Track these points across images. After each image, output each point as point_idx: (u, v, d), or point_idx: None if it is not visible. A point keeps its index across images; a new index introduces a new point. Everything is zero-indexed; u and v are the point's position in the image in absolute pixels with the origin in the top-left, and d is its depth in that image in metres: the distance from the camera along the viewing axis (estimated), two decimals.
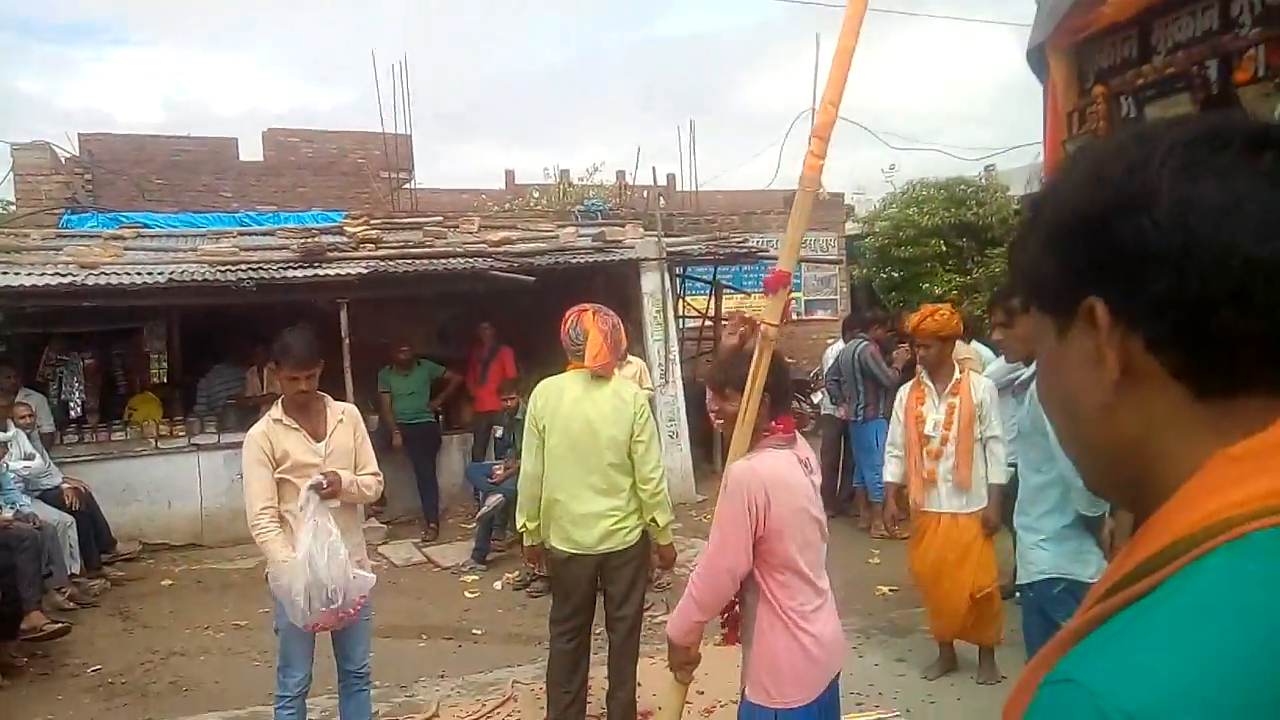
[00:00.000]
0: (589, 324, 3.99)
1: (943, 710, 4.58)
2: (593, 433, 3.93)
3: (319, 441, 3.78)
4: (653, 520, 4.02)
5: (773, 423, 2.78)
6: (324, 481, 3.63)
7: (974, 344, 7.42)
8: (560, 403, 3.99)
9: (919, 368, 5.03)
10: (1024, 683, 0.71)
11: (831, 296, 15.00)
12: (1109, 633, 0.63)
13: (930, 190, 14.13)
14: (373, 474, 3.92)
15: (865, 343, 7.98)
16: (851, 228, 16.68)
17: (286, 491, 3.72)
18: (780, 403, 2.83)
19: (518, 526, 4.37)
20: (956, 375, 4.75)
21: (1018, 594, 4.14)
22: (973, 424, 4.62)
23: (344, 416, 3.90)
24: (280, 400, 3.86)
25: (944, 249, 13.48)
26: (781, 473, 2.73)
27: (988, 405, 4.65)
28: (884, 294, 14.28)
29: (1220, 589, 0.59)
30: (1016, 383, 4.32)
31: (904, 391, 5.03)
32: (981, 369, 5.87)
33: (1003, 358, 5.21)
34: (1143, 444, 0.70)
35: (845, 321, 9.58)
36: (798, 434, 2.92)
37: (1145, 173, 0.67)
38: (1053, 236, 0.73)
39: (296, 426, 3.77)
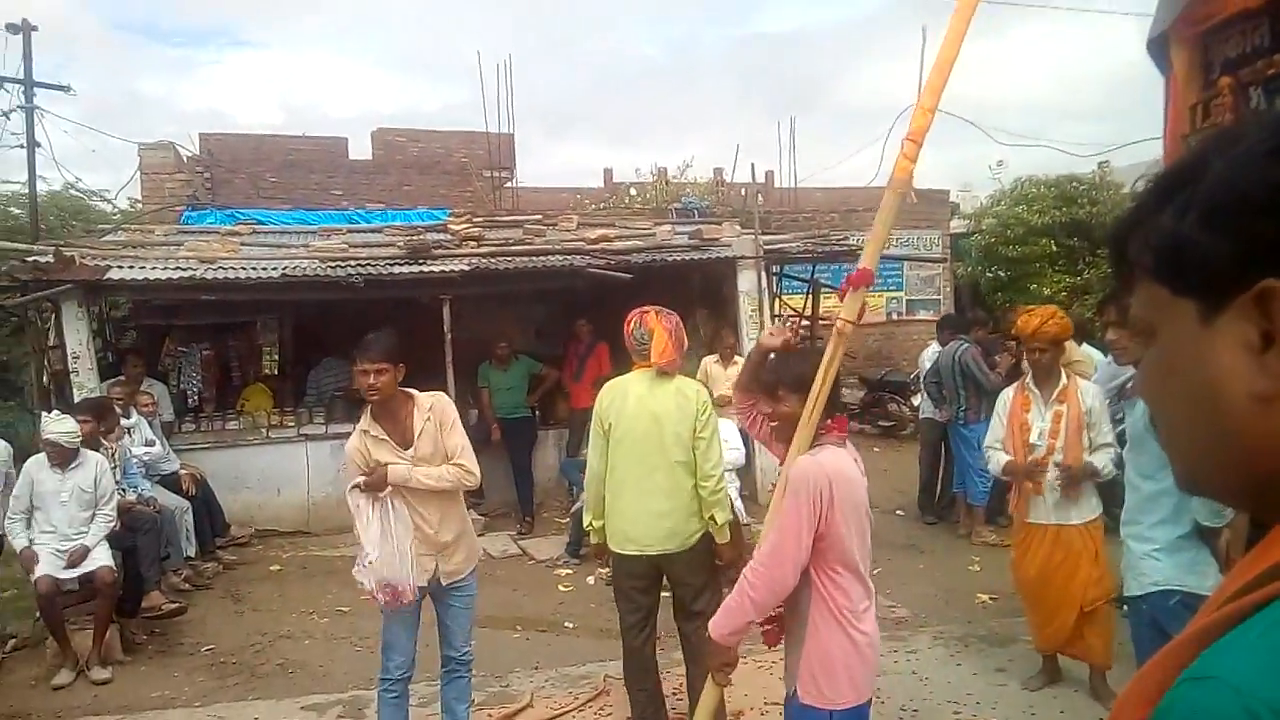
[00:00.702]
0: (652, 323, 4.03)
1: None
2: (659, 430, 3.95)
3: (407, 449, 3.82)
4: (711, 518, 3.99)
5: (828, 421, 2.77)
6: (361, 482, 3.73)
7: (1085, 347, 7.15)
8: (625, 402, 4.02)
9: (1024, 372, 4.84)
10: (1145, 682, 0.70)
11: (935, 296, 14.69)
12: (1250, 630, 0.62)
13: (1040, 188, 13.68)
14: (458, 464, 3.88)
15: (967, 345, 7.77)
16: (956, 225, 16.30)
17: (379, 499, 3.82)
18: (834, 402, 2.82)
19: (584, 525, 4.40)
20: (1064, 381, 4.54)
21: (1124, 607, 3.96)
22: (1081, 432, 4.42)
23: (430, 412, 3.88)
24: (369, 409, 3.87)
25: (1054, 249, 13.05)
26: (845, 467, 2.75)
27: (1097, 412, 4.44)
28: (989, 294, 13.90)
29: None
30: (1127, 385, 4.12)
31: (1007, 394, 4.83)
32: (1093, 373, 5.65)
33: (1110, 359, 4.98)
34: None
35: (940, 322, 9.35)
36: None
37: None
38: (1218, 211, 0.67)
39: (384, 437, 3.81)
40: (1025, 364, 5.20)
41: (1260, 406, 0.66)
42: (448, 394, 8.15)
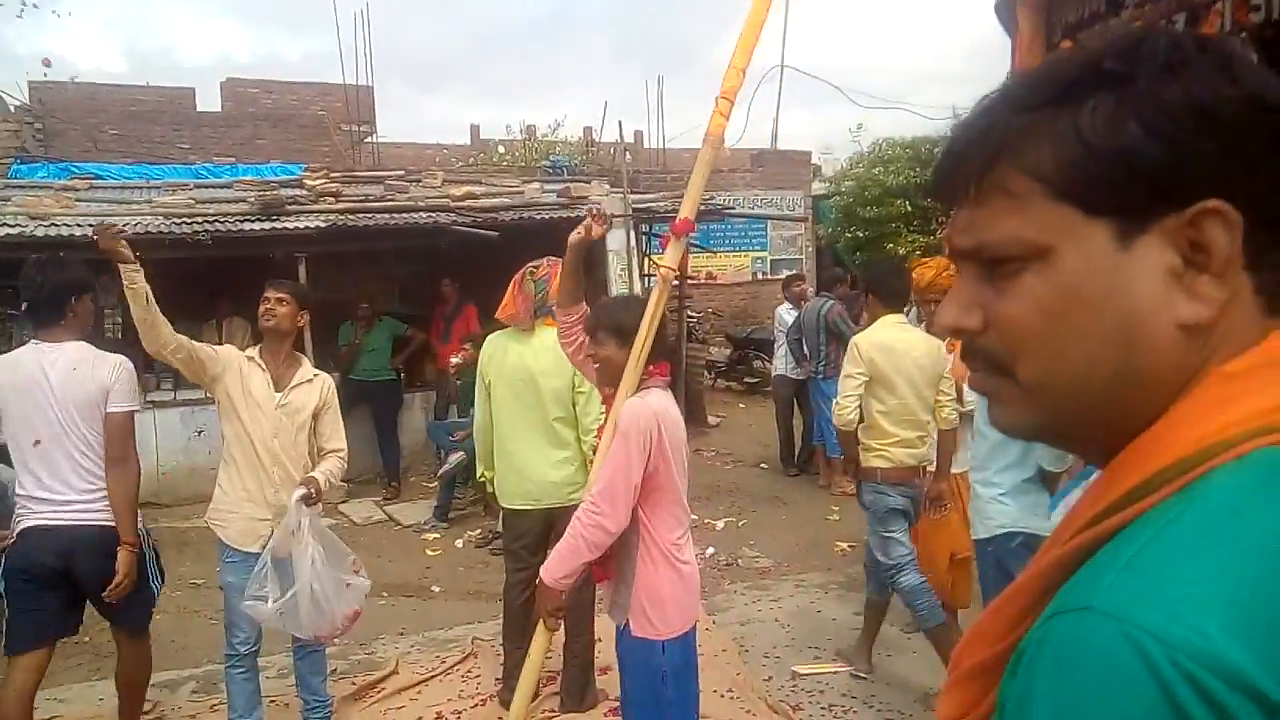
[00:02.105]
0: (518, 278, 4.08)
1: (899, 664, 4.64)
2: (534, 385, 3.97)
3: (279, 391, 3.75)
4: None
5: (650, 366, 2.87)
6: (310, 492, 3.58)
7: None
8: (505, 356, 4.05)
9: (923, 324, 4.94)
10: (996, 618, 0.68)
11: (797, 256, 15.05)
12: (1118, 555, 0.59)
13: (897, 150, 14.13)
14: (337, 451, 3.87)
15: (830, 302, 7.99)
16: (818, 187, 16.71)
17: (226, 412, 3.73)
18: (660, 348, 2.91)
19: (477, 477, 4.43)
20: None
21: None
22: (964, 380, 4.55)
23: (314, 379, 3.86)
24: (259, 345, 3.85)
25: (909, 209, 13.52)
26: (670, 408, 2.87)
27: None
28: (849, 254, 14.32)
29: (1229, 508, 0.57)
30: None
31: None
32: None
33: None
34: (1191, 367, 0.64)
35: (784, 282, 9.65)
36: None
37: None
38: (1162, 120, 0.62)
39: (263, 368, 3.76)
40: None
41: (1181, 337, 0.64)
42: (306, 355, 7.90)
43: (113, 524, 3.53)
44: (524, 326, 4.04)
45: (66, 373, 3.49)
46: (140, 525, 3.69)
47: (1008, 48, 5.21)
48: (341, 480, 7.91)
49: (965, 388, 4.46)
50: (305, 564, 3.52)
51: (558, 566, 2.80)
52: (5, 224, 7.68)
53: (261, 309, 3.78)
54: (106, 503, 3.53)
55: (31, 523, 3.50)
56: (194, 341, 3.72)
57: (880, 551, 4.40)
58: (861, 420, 4.41)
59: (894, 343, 4.36)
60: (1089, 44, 0.68)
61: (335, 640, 4.27)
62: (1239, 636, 0.51)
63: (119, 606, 3.67)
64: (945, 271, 4.62)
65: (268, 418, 3.71)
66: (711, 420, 10.69)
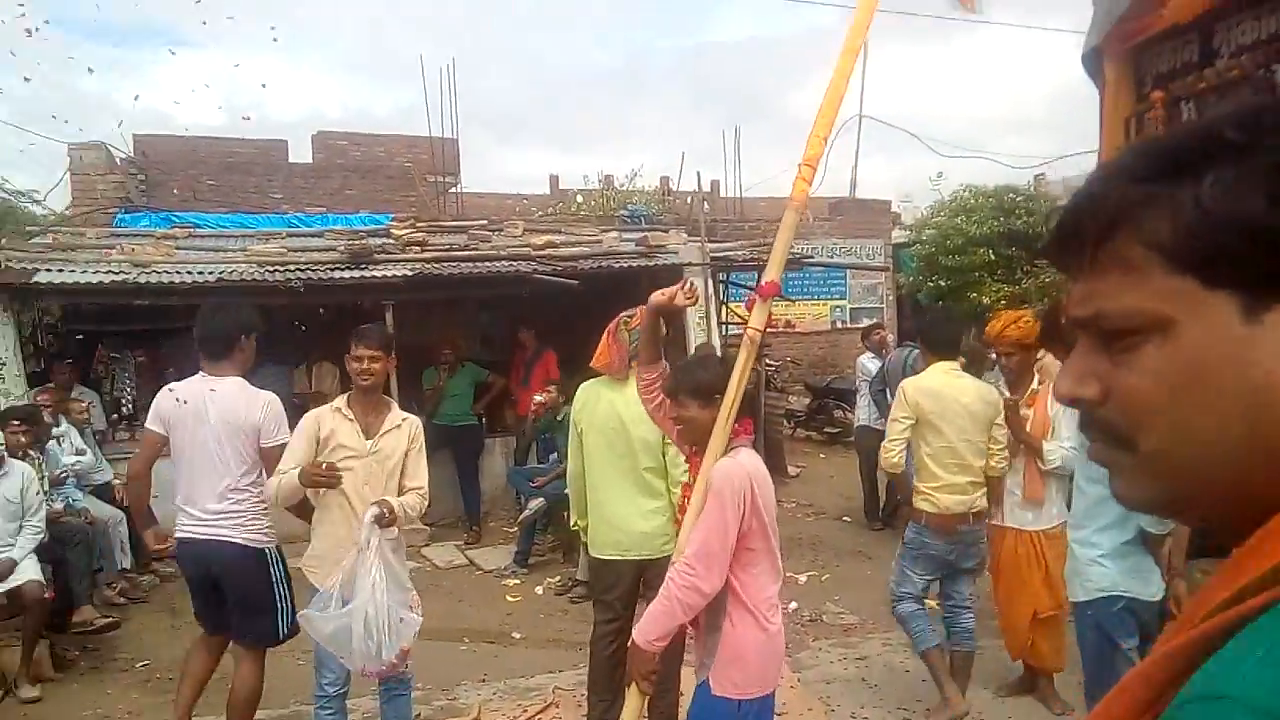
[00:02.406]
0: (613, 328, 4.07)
1: None
2: (625, 434, 3.95)
3: (369, 439, 3.81)
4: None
5: (735, 424, 2.83)
6: (384, 513, 3.58)
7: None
8: (598, 405, 4.04)
9: (999, 378, 4.86)
10: (1125, 699, 0.65)
11: (878, 304, 14.89)
12: (1258, 642, 0.56)
13: (979, 198, 13.95)
14: (417, 489, 3.90)
15: (915, 350, 7.87)
16: (898, 235, 16.55)
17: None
18: (743, 405, 2.87)
19: (571, 525, 4.43)
20: (1034, 387, 4.54)
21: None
22: (1044, 439, 4.43)
23: (403, 423, 3.92)
24: (348, 395, 3.92)
25: (992, 258, 13.31)
26: (760, 467, 2.87)
27: (1060, 418, 4.34)
28: (931, 303, 14.13)
29: None
30: None
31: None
32: None
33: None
34: None
35: (864, 331, 9.62)
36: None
37: None
38: None
39: (353, 419, 3.83)
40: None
41: None
42: (391, 397, 8.05)
43: (245, 542, 4.00)
44: (618, 375, 4.05)
45: (223, 405, 3.97)
46: (274, 548, 4.12)
47: (1093, 95, 5.14)
48: (423, 523, 8.06)
49: (1049, 446, 4.35)
50: (366, 586, 3.52)
51: (651, 628, 2.76)
52: (110, 271, 8.02)
53: (356, 368, 3.83)
54: (241, 523, 3.97)
55: (178, 534, 4.09)
56: (300, 459, 3.75)
57: (894, 577, 4.64)
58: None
59: (941, 388, 4.43)
60: (1206, 114, 0.69)
61: (416, 686, 4.30)
62: None
63: (246, 621, 4.12)
64: (1014, 323, 4.53)
65: (360, 466, 3.78)
66: (791, 471, 10.56)
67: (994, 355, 5.16)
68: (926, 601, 4.70)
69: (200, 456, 3.97)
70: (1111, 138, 4.95)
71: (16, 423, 5.88)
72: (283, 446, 3.89)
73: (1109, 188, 0.68)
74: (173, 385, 4.20)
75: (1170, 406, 0.65)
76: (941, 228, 14.04)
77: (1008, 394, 4.58)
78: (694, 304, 3.12)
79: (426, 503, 3.97)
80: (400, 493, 3.88)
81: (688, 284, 3.06)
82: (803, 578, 7.02)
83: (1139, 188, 0.66)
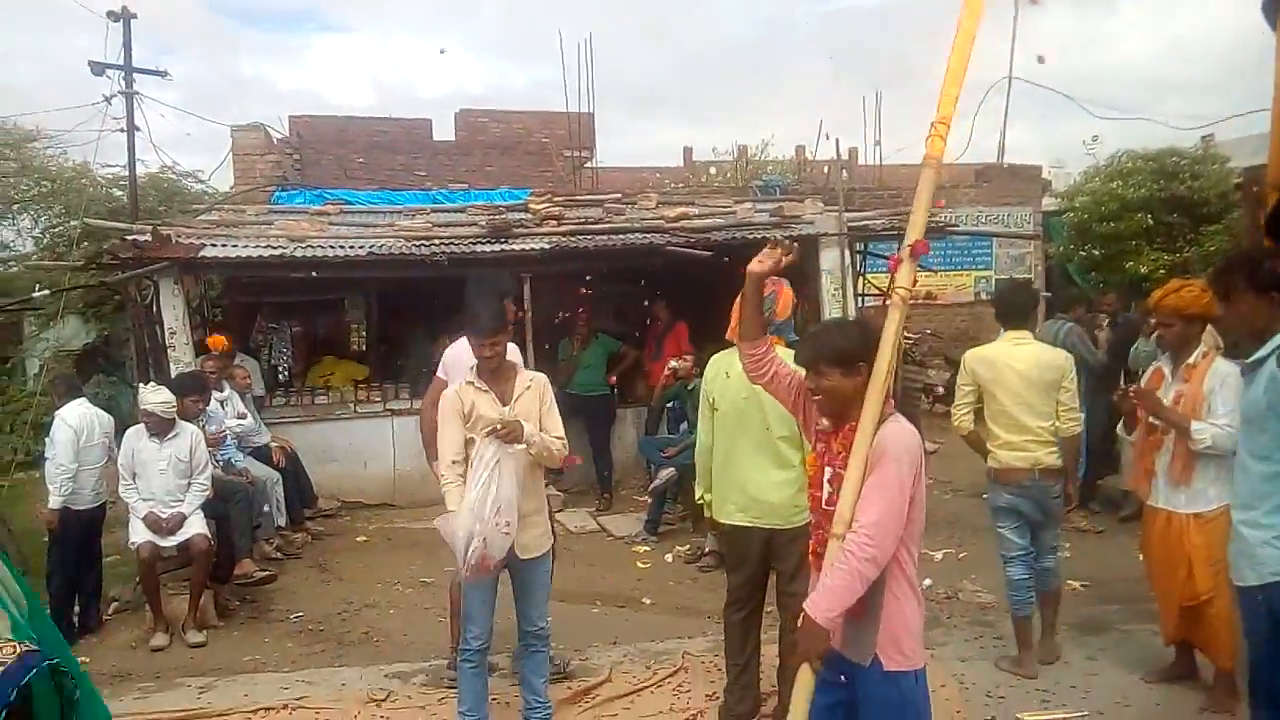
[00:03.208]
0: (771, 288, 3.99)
1: (1138, 713, 4.27)
2: (759, 403, 3.87)
3: (506, 405, 3.93)
4: None
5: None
6: (499, 426, 3.74)
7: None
8: (730, 375, 3.98)
9: (1160, 349, 4.65)
10: None
11: (1026, 275, 14.24)
12: None
13: (1138, 162, 13.11)
14: (558, 437, 4.03)
15: (1069, 324, 7.54)
16: (1048, 203, 15.78)
17: (473, 450, 3.87)
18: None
19: (696, 498, 4.42)
20: (1193, 359, 4.25)
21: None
22: (1195, 415, 4.16)
23: (531, 383, 4.05)
24: (474, 366, 4.02)
25: (1151, 224, 12.50)
26: (918, 435, 2.77)
27: (1217, 394, 4.08)
28: (1081, 275, 13.42)
29: None
30: (1245, 363, 3.80)
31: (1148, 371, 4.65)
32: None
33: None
34: None
35: (1003, 300, 8.88)
36: None
37: None
38: None
39: (486, 389, 3.95)
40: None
41: None
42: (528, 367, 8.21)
43: None
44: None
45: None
46: None
47: (1265, 51, 4.73)
48: (557, 489, 8.24)
49: (1198, 425, 4.06)
50: (475, 494, 3.69)
51: (830, 603, 2.62)
52: (269, 246, 8.49)
53: (482, 356, 3.92)
54: None
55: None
56: (460, 444, 3.91)
57: (999, 543, 4.86)
58: None
59: (996, 357, 4.78)
60: None
61: (554, 645, 4.41)
62: None
63: None
64: (1176, 291, 4.26)
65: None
66: (929, 447, 10.28)
67: (1153, 324, 4.93)
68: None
69: None
70: None
71: (195, 395, 6.32)
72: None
73: None
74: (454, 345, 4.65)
75: None
76: (1096, 194, 13.28)
77: (1165, 366, 4.35)
78: (790, 258, 2.98)
79: (566, 449, 4.08)
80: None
81: (776, 240, 2.99)
82: (939, 555, 6.85)
83: None
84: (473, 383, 3.97)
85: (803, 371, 2.90)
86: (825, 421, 2.88)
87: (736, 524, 4.03)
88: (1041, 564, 4.82)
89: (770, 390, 3.14)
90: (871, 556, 2.59)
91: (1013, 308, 4.94)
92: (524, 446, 3.81)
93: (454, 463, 3.89)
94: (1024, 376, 4.64)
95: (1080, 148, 19.86)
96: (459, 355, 4.44)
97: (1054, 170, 17.88)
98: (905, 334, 10.84)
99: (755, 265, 2.96)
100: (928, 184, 2.79)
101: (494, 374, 3.99)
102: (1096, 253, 13.02)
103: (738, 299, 3.96)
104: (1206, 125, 13.95)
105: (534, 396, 4.02)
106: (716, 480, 4.10)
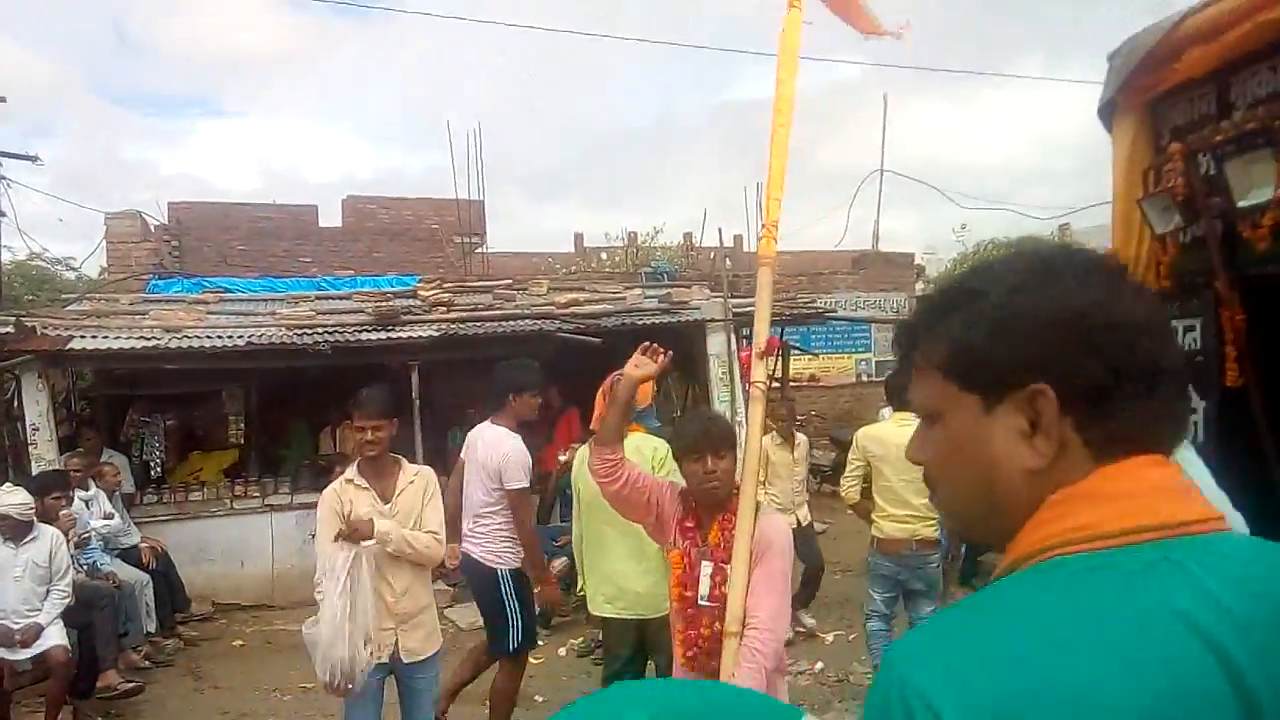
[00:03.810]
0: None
1: None
2: None
3: (386, 503, 3.81)
4: None
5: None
6: (343, 528, 3.63)
7: None
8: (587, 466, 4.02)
9: None
10: None
11: None
12: (933, 621, 0.87)
13: (1002, 250, 13.91)
14: (432, 533, 3.89)
15: None
16: (921, 288, 16.51)
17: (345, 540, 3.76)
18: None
19: (577, 590, 4.41)
20: None
21: None
22: None
23: (415, 478, 3.94)
24: (356, 462, 3.91)
25: None
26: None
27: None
28: None
29: (1006, 595, 0.82)
30: None
31: None
32: None
33: None
34: (1041, 497, 0.86)
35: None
36: None
37: (1117, 291, 0.88)
38: (1003, 327, 0.87)
39: (367, 486, 3.82)
40: None
41: (1027, 478, 0.87)
42: (416, 459, 8.07)
43: (485, 562, 4.68)
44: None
45: (483, 446, 4.73)
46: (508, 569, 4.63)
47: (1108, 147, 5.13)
48: (447, 584, 8.01)
49: None
50: (330, 608, 3.57)
51: None
52: (143, 336, 8.18)
53: (360, 439, 3.84)
54: (482, 542, 4.69)
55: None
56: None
57: (866, 601, 5.31)
58: None
59: (885, 435, 5.17)
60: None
61: None
62: (942, 682, 0.75)
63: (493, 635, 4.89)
64: None
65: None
66: (818, 527, 10.43)
67: None
68: None
69: (469, 486, 4.82)
70: (1130, 189, 4.94)
71: (57, 493, 5.97)
72: (518, 491, 4.53)
73: (914, 318, 0.99)
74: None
75: (945, 470, 0.95)
76: None
77: None
78: (665, 362, 3.03)
79: (443, 547, 3.96)
80: None
81: (648, 346, 3.01)
82: (830, 637, 6.90)
83: (923, 320, 0.96)
84: (352, 480, 3.84)
85: (668, 471, 2.92)
86: (689, 522, 2.88)
87: (604, 615, 4.03)
88: None
89: (617, 494, 3.01)
90: (774, 652, 2.65)
91: (899, 390, 5.24)
92: (374, 543, 3.66)
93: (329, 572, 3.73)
94: (903, 455, 4.86)
95: (950, 235, 20.94)
96: (482, 433, 4.71)
97: (927, 256, 18.80)
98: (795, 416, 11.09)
99: (635, 371, 2.95)
100: (766, 283, 2.91)
101: (374, 467, 3.86)
102: None
103: (599, 393, 4.02)
104: (1063, 214, 14.96)
105: (416, 492, 3.90)
106: (589, 571, 4.12)
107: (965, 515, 0.96)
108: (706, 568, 2.80)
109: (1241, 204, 3.64)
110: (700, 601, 2.78)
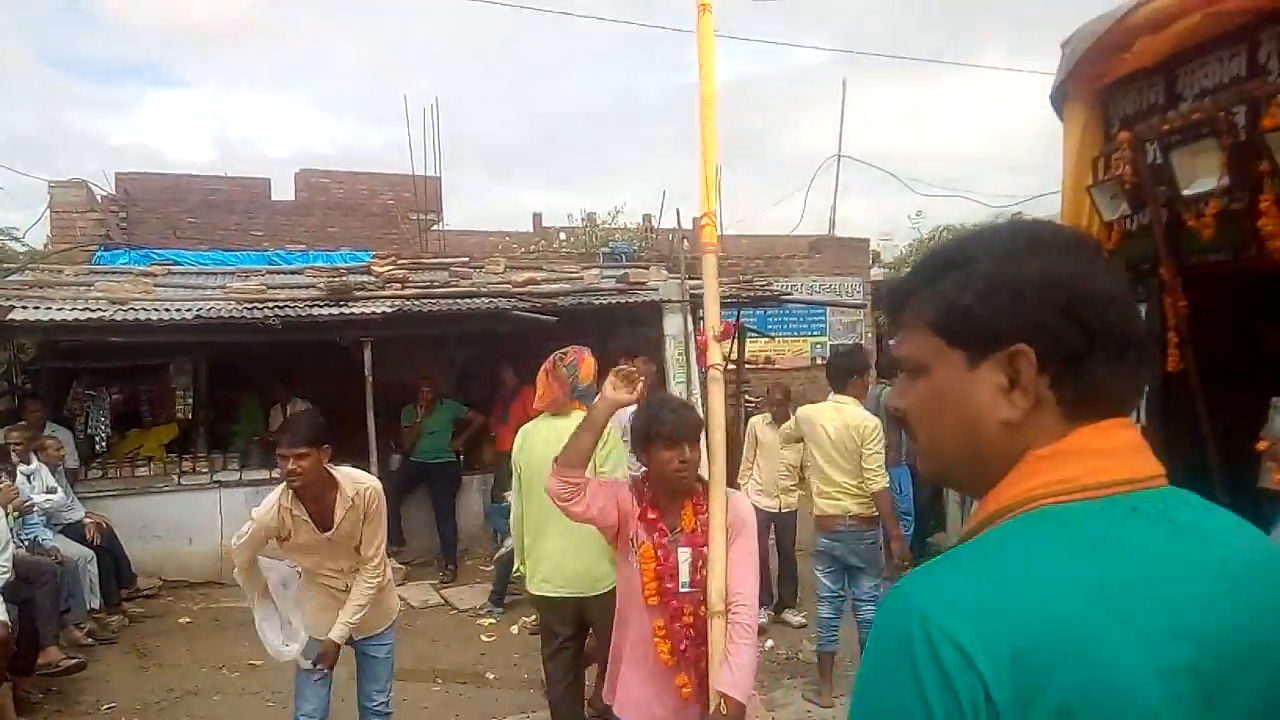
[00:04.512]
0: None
1: None
2: None
3: (325, 531, 3.73)
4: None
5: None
6: (323, 668, 3.74)
7: None
8: (535, 443, 4.03)
9: None
10: None
11: (857, 341, 14.92)
12: (943, 560, 0.93)
13: (963, 232, 14.12)
14: (372, 563, 3.81)
15: (889, 387, 7.91)
16: (877, 273, 16.67)
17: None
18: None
19: (515, 569, 4.39)
20: None
21: None
22: None
23: (354, 500, 3.74)
24: (292, 494, 3.72)
25: None
26: None
27: None
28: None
29: (1006, 540, 0.90)
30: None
31: None
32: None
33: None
34: (1018, 449, 0.94)
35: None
36: None
37: (1094, 265, 0.96)
38: (992, 291, 0.95)
39: (306, 518, 3.71)
40: None
41: (1004, 430, 0.95)
42: (368, 437, 7.99)
43: None
44: (561, 411, 4.06)
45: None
46: None
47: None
48: (399, 561, 7.97)
49: None
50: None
51: (749, 681, 2.67)
52: (88, 309, 7.99)
53: (283, 469, 3.65)
54: None
55: None
56: (257, 557, 3.88)
57: (815, 582, 5.44)
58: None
59: (814, 415, 5.38)
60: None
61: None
62: (963, 618, 0.82)
63: None
64: None
65: (324, 552, 3.79)
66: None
67: None
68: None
69: None
70: (1079, 176, 5.02)
71: None
72: None
73: (906, 279, 1.06)
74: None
75: (927, 419, 1.02)
76: None
77: None
78: (638, 397, 2.93)
79: (379, 573, 3.85)
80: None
81: (631, 370, 2.96)
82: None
83: (917, 279, 1.03)
84: (289, 508, 3.69)
85: (609, 450, 2.92)
86: (651, 514, 2.87)
87: (543, 594, 4.02)
88: (861, 614, 5.22)
89: (578, 517, 2.92)
90: (758, 626, 2.70)
91: (836, 371, 5.47)
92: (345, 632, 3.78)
93: (247, 561, 3.82)
94: (832, 437, 5.17)
95: (906, 221, 21.16)
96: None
97: (882, 242, 18.96)
98: (746, 397, 11.15)
99: (613, 394, 2.85)
100: (711, 269, 2.98)
101: (309, 493, 3.70)
102: None
103: (542, 371, 4.00)
104: (1018, 202, 15.16)
105: (355, 518, 3.76)
106: (528, 551, 4.10)
107: (943, 459, 1.03)
108: (685, 554, 2.79)
109: (1186, 193, 3.71)
110: (682, 589, 2.77)
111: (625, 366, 2.95)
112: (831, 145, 15.51)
